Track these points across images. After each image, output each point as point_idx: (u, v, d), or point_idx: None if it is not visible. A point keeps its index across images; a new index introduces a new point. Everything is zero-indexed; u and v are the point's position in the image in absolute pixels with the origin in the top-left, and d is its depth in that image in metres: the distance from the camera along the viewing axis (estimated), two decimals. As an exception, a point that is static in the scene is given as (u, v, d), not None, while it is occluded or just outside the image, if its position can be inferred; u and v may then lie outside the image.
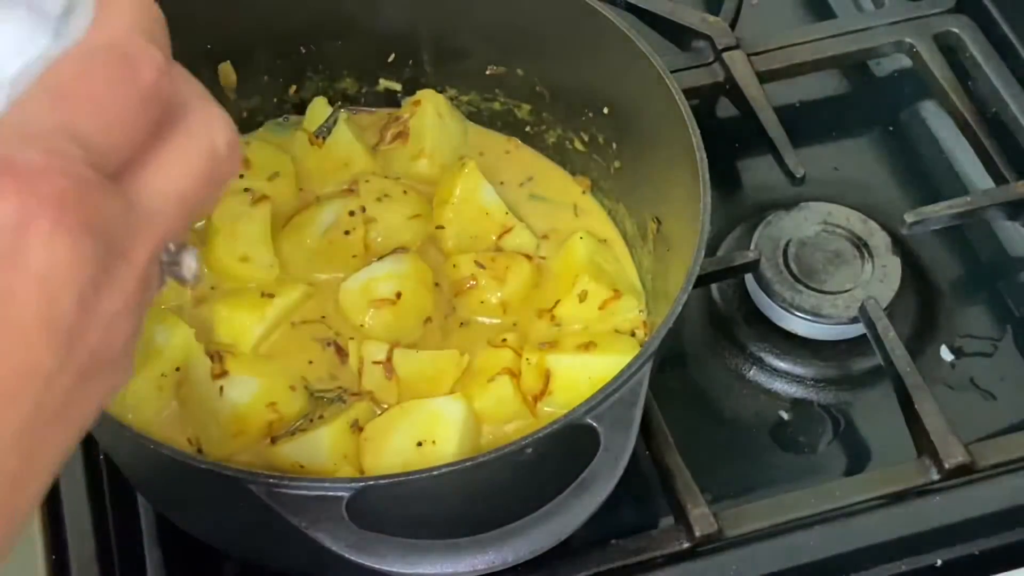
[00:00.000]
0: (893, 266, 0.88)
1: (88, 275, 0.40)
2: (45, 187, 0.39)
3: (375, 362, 0.78)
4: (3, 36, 0.42)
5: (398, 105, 0.91)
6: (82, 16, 0.43)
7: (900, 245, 0.89)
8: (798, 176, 0.90)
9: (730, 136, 0.97)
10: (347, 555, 0.62)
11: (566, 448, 0.66)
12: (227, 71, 0.87)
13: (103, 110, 0.42)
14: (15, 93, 0.42)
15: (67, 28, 0.42)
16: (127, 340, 0.44)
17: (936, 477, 0.78)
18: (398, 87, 0.92)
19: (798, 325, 0.87)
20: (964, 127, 0.95)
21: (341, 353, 0.80)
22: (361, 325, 0.80)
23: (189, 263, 0.46)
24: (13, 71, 0.42)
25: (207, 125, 0.45)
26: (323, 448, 0.74)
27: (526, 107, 0.90)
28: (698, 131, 0.75)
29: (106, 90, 0.42)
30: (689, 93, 0.81)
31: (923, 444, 0.79)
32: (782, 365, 0.87)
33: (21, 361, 0.40)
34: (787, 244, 0.88)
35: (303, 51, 0.89)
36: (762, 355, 0.88)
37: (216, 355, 0.77)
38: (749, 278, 0.88)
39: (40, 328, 0.40)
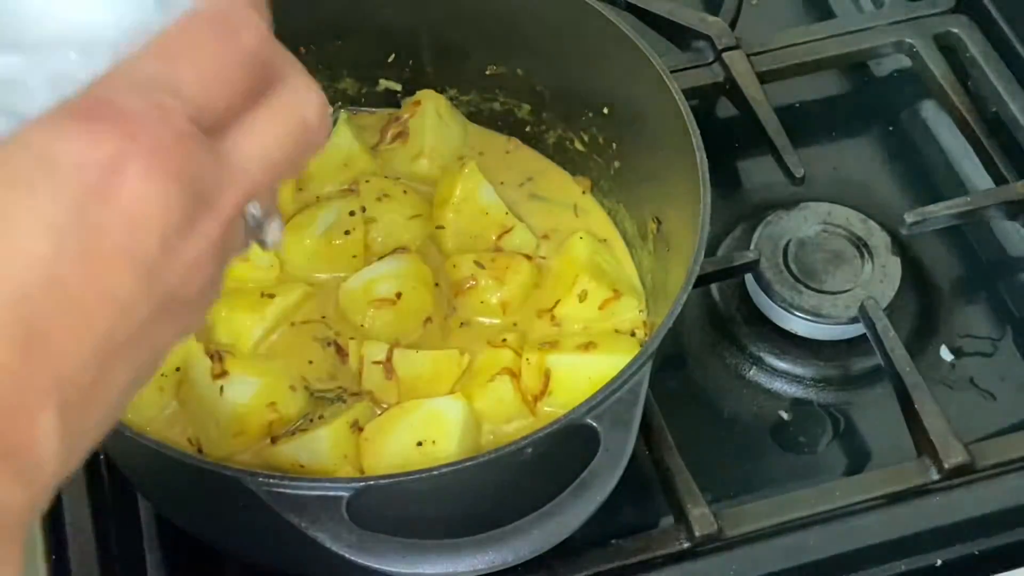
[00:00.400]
0: (893, 266, 0.88)
1: (173, 219, 0.43)
2: (142, 132, 0.42)
3: (375, 362, 0.78)
4: (110, 3, 0.45)
5: (398, 105, 0.91)
6: None
7: (900, 245, 0.89)
8: (798, 176, 0.90)
9: (730, 136, 0.97)
10: (347, 555, 0.62)
11: (566, 448, 0.66)
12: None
13: (205, 68, 0.44)
14: (119, 56, 0.44)
15: (172, 2, 0.45)
16: (204, 286, 0.46)
17: (936, 477, 0.78)
18: (398, 87, 0.92)
19: (798, 325, 0.87)
20: (964, 127, 0.95)
21: (341, 353, 0.80)
22: (361, 325, 0.80)
23: (273, 230, 0.49)
24: (115, 35, 0.45)
25: (300, 95, 0.48)
26: (323, 448, 0.74)
27: (526, 107, 0.90)
28: (698, 131, 0.75)
29: (209, 50, 0.45)
30: (689, 93, 0.81)
31: (923, 444, 0.79)
32: (782, 365, 0.87)
33: (103, 288, 0.42)
34: (787, 244, 0.88)
35: (303, 51, 0.89)
36: (762, 355, 0.88)
37: (216, 355, 0.77)
38: (749, 278, 0.88)
39: (124, 261, 0.42)
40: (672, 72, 0.78)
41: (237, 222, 0.47)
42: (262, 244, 0.50)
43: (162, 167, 0.42)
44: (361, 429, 0.75)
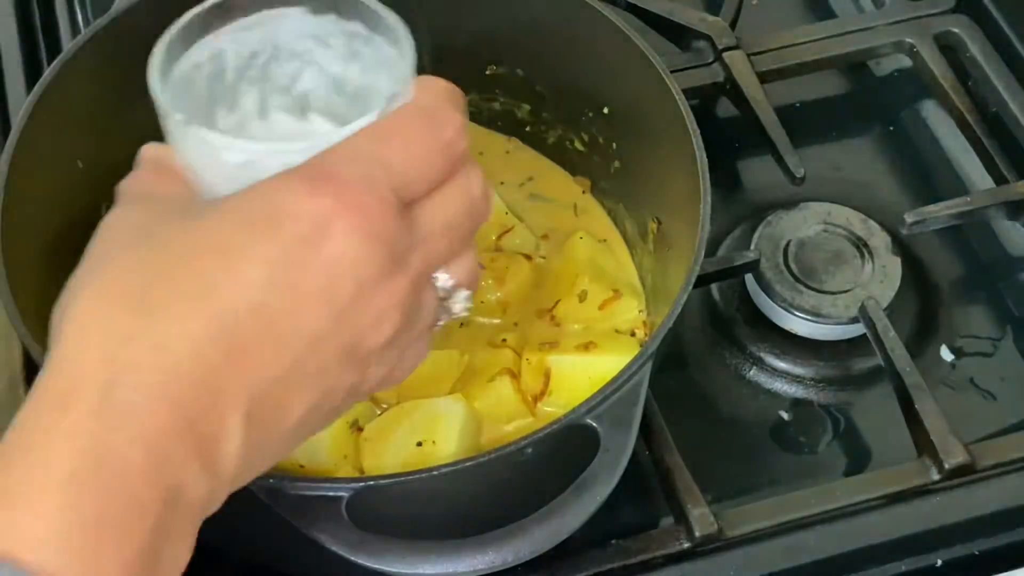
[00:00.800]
0: (893, 266, 0.88)
1: (369, 272, 0.50)
2: (352, 195, 0.50)
3: (375, 362, 0.78)
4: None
5: (398, 105, 0.91)
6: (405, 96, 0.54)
7: (900, 245, 0.89)
8: (798, 176, 0.90)
9: (730, 136, 0.97)
10: (347, 555, 0.62)
11: (566, 448, 0.66)
12: (227, 71, 0.87)
13: (411, 153, 0.52)
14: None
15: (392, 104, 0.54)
16: (388, 342, 0.53)
17: (936, 477, 0.78)
18: (398, 87, 0.91)
19: (798, 325, 0.87)
20: (964, 127, 0.95)
21: (341, 353, 0.80)
22: (361, 325, 0.80)
23: (460, 299, 0.57)
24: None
25: (471, 177, 0.56)
26: (323, 448, 0.74)
27: (526, 107, 0.90)
28: (698, 131, 0.75)
29: (417, 138, 0.53)
30: (689, 93, 0.81)
31: (923, 444, 0.79)
32: (782, 365, 0.87)
33: (299, 321, 0.49)
34: (787, 244, 0.88)
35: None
36: (762, 355, 0.88)
37: (216, 355, 0.77)
38: (749, 278, 0.88)
39: (320, 301, 0.49)
40: (672, 72, 0.78)
41: (424, 285, 0.54)
42: (449, 313, 0.57)
43: (364, 227, 0.50)
44: (361, 429, 0.75)
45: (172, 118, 0.53)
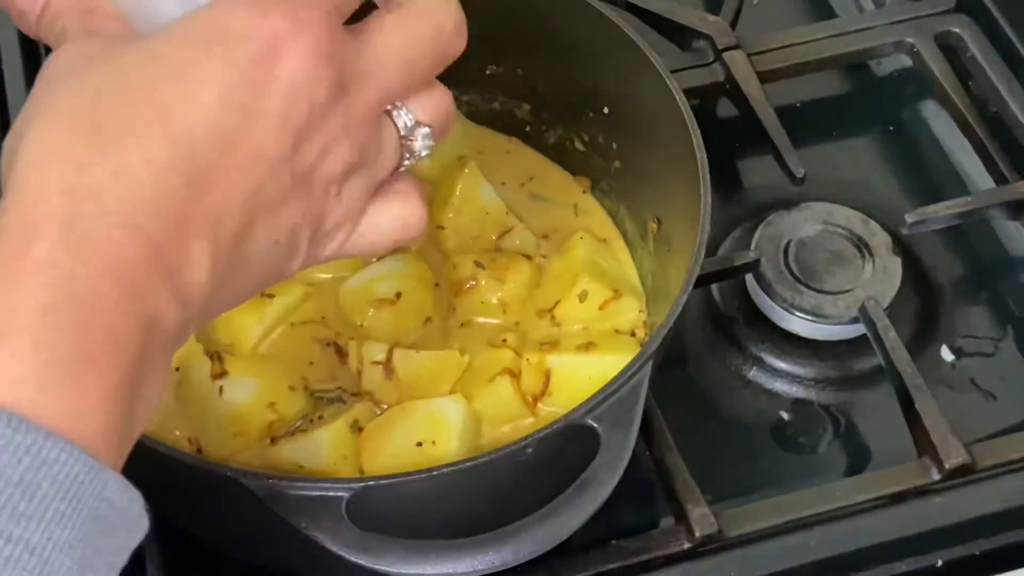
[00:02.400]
0: (893, 266, 0.87)
1: (321, 94, 0.49)
2: (307, 17, 0.48)
3: (375, 362, 0.78)
4: None
5: (398, 105, 0.91)
6: None
7: (901, 245, 0.89)
8: (798, 176, 0.90)
9: (730, 136, 0.97)
10: (347, 555, 0.62)
11: (566, 448, 0.66)
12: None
13: None
14: None
15: None
16: (336, 176, 0.51)
17: (936, 477, 0.78)
18: (398, 87, 0.91)
19: (798, 325, 0.87)
20: (965, 127, 0.95)
21: (341, 353, 0.80)
22: (361, 325, 0.80)
23: (420, 137, 0.55)
24: None
25: (438, 6, 0.53)
26: (323, 448, 0.74)
27: (526, 107, 0.90)
28: (698, 131, 0.75)
29: None
30: (689, 93, 0.81)
31: (923, 444, 0.79)
32: (782, 365, 0.87)
33: (257, 143, 0.48)
34: (787, 244, 0.88)
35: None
36: (762, 355, 0.88)
37: (216, 355, 0.77)
38: (749, 278, 0.88)
39: (277, 121, 0.48)
40: (672, 72, 0.78)
41: (379, 117, 0.53)
42: (411, 152, 0.55)
43: (318, 48, 0.48)
44: (361, 429, 0.75)
45: None
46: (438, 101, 0.55)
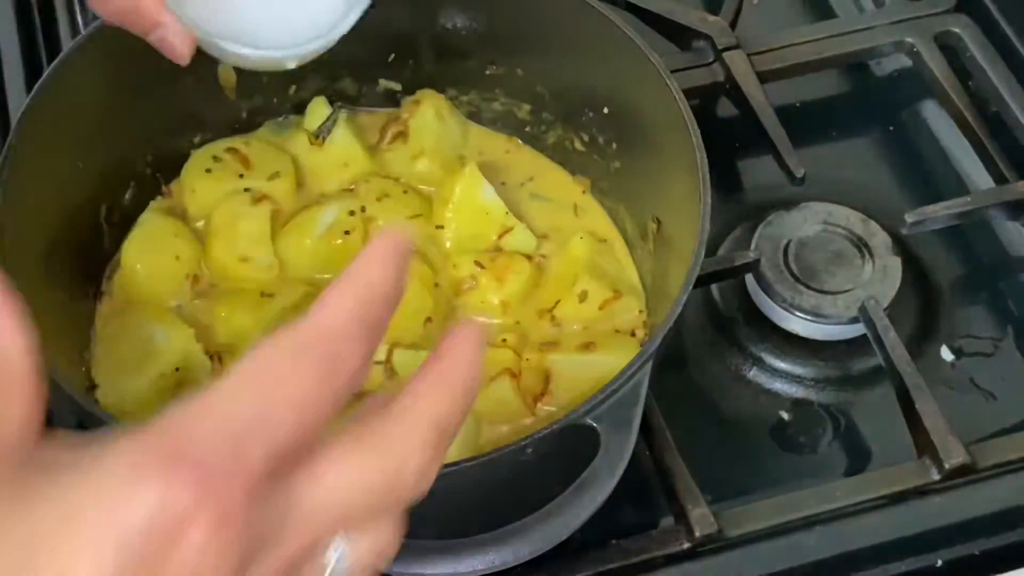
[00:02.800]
0: (893, 266, 0.87)
1: (227, 570, 0.41)
2: (216, 485, 0.41)
3: (375, 362, 0.78)
4: None
5: (398, 105, 0.91)
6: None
7: (900, 245, 0.89)
8: (798, 176, 0.90)
9: (730, 136, 0.97)
10: (347, 555, 0.62)
11: (566, 448, 0.66)
12: (227, 71, 0.87)
13: (299, 406, 0.43)
14: None
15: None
16: None
17: (936, 477, 0.78)
18: (398, 87, 0.91)
19: (798, 325, 0.87)
20: (964, 127, 0.95)
21: (341, 353, 0.80)
22: (361, 325, 0.80)
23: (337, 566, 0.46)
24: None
25: (403, 444, 0.45)
26: (323, 448, 0.74)
27: (526, 107, 0.90)
28: (698, 131, 0.75)
29: (304, 381, 0.43)
30: (689, 93, 0.81)
31: (923, 444, 0.79)
32: (782, 365, 0.87)
33: None
34: (787, 244, 0.88)
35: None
36: (762, 355, 0.88)
37: (216, 355, 0.77)
38: (749, 278, 0.88)
39: None
40: (672, 72, 0.78)
41: (290, 567, 0.44)
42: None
43: (225, 535, 0.41)
44: (361, 429, 0.75)
45: None
46: (383, 542, 0.47)
